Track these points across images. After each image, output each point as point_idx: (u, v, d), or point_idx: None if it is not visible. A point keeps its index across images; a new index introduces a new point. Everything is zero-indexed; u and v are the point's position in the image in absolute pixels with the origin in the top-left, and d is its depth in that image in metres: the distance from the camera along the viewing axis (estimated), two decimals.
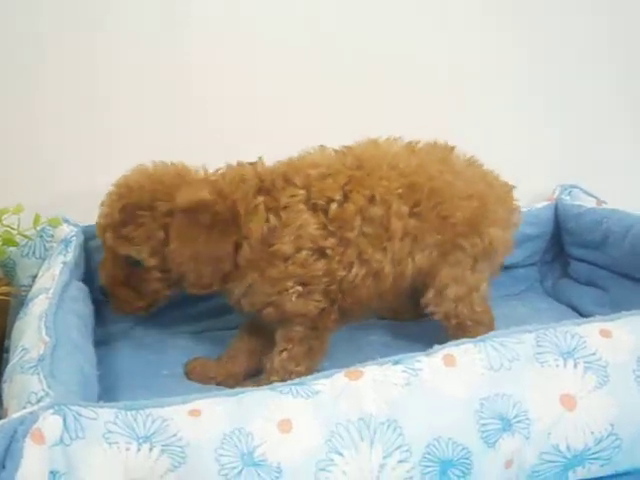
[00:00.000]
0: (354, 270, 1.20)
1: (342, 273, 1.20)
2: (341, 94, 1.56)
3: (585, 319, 1.01)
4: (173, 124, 1.50)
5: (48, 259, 1.31)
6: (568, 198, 1.65)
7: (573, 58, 1.71)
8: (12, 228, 1.30)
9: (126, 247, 1.18)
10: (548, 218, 1.65)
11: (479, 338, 0.95)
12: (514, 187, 1.36)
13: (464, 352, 0.93)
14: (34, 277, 1.31)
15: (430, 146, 1.30)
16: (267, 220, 1.17)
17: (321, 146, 1.27)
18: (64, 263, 1.27)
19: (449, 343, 0.95)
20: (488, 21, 1.63)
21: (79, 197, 1.44)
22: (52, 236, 1.36)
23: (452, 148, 1.31)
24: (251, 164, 1.23)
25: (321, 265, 1.18)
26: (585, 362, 0.94)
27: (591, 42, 1.71)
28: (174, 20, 1.46)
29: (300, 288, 1.19)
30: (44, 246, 1.35)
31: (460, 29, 1.62)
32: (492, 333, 0.97)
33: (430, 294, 1.28)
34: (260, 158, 1.24)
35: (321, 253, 1.18)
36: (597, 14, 1.69)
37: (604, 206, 1.60)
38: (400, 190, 1.21)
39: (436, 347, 0.94)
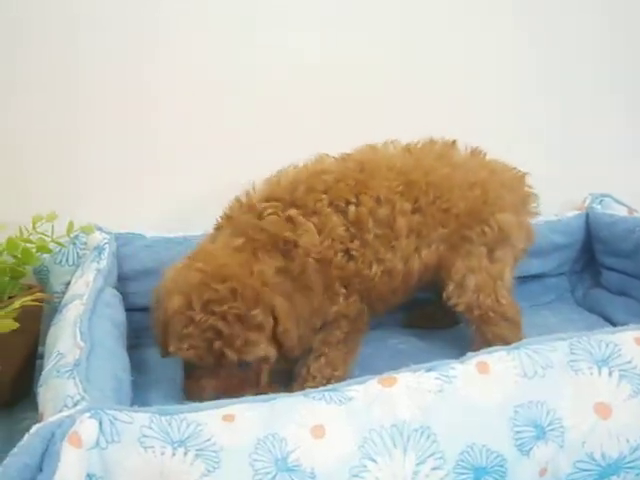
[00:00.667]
0: (374, 269, 1.22)
1: (367, 272, 1.21)
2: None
3: (619, 327, 1.00)
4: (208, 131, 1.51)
5: (81, 266, 1.33)
6: (599, 207, 1.65)
7: (610, 67, 1.71)
8: (46, 235, 1.32)
9: (252, 352, 1.10)
10: (579, 227, 1.65)
11: (513, 346, 0.95)
12: (526, 173, 1.36)
13: (498, 359, 0.92)
14: (67, 284, 1.33)
15: (428, 143, 1.32)
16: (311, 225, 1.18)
17: (320, 155, 1.28)
18: (97, 270, 1.28)
19: (482, 350, 0.95)
20: (522, 24, 1.64)
21: (112, 205, 1.46)
22: (85, 243, 1.37)
23: (453, 143, 1.32)
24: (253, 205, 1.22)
25: (352, 265, 1.20)
26: (620, 370, 0.93)
27: (621, 43, 1.71)
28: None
29: (344, 290, 1.20)
30: (77, 253, 1.36)
31: (492, 32, 1.63)
32: (525, 341, 0.96)
33: (450, 287, 1.29)
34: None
35: (349, 254, 1.20)
36: None
37: (636, 215, 1.59)
38: (400, 188, 1.22)
39: (469, 354, 0.94)
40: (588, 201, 1.68)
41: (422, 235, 1.24)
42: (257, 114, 1.52)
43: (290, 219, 1.18)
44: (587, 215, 1.65)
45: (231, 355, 1.08)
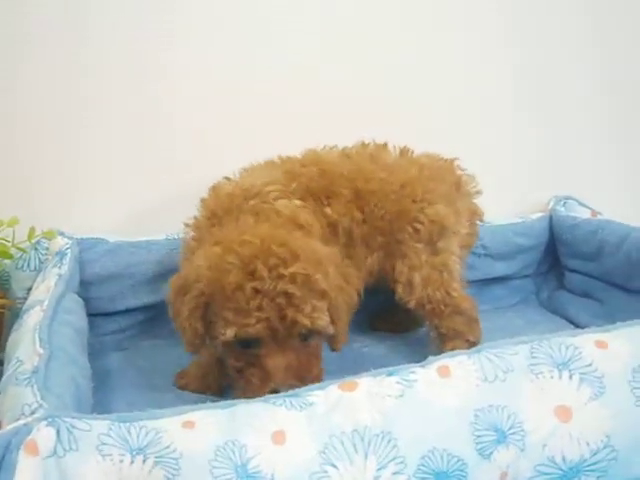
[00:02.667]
0: None
1: None
2: (341, 99, 1.58)
3: (580, 330, 1.01)
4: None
5: (43, 271, 1.32)
6: (563, 209, 1.66)
7: (568, 70, 1.73)
8: (7, 241, 1.31)
9: (321, 320, 1.06)
10: (543, 229, 1.66)
11: (474, 349, 0.95)
12: (455, 159, 1.37)
13: (458, 363, 0.92)
14: (29, 290, 1.32)
15: (361, 147, 1.33)
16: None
17: (268, 162, 1.29)
18: (59, 275, 1.27)
19: (443, 355, 0.95)
20: (487, 30, 1.65)
21: (74, 210, 1.45)
22: (47, 249, 1.36)
23: (384, 145, 1.33)
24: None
25: None
26: (580, 373, 0.93)
27: (588, 50, 1.73)
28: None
29: None
30: (39, 259, 1.35)
31: (460, 39, 1.64)
32: (486, 344, 0.97)
33: (399, 288, 1.30)
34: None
35: None
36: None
37: (599, 217, 1.60)
38: (352, 196, 1.23)
39: (430, 358, 0.94)
40: (552, 203, 1.69)
41: (369, 244, 1.25)
42: (239, 114, 1.54)
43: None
44: (550, 217, 1.67)
45: (304, 321, 1.04)
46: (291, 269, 1.03)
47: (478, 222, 1.43)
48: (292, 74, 1.54)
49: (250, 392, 1.02)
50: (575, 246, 1.59)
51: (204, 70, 1.50)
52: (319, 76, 1.55)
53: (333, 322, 1.09)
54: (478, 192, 1.41)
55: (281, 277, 1.03)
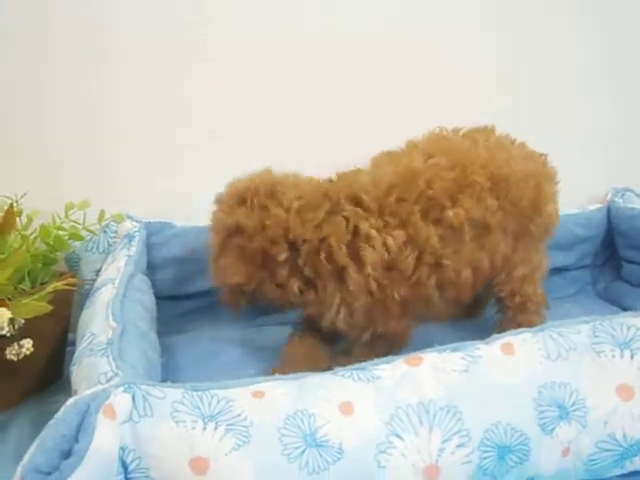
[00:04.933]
0: (464, 274, 1.21)
1: (453, 279, 1.21)
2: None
3: None
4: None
5: (112, 253, 1.35)
6: (621, 201, 1.65)
7: (630, 57, 1.72)
8: (78, 223, 1.34)
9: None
10: (600, 220, 1.65)
11: (537, 328, 0.96)
12: (546, 154, 1.34)
13: (522, 341, 0.94)
14: (97, 271, 1.35)
15: (479, 132, 1.29)
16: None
17: (384, 153, 1.27)
18: (128, 256, 1.30)
19: (507, 332, 0.96)
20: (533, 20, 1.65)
21: (143, 194, 1.48)
22: (116, 232, 1.39)
23: (493, 130, 1.30)
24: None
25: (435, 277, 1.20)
26: None
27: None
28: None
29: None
30: (108, 241, 1.38)
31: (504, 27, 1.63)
32: (550, 323, 0.98)
33: (502, 275, 1.29)
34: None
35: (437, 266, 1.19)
36: None
37: None
38: (488, 184, 1.20)
39: (494, 336, 0.96)
40: (610, 195, 1.68)
41: (505, 230, 1.23)
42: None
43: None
44: (609, 209, 1.66)
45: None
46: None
47: None
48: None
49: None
50: (633, 237, 1.59)
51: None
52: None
53: None
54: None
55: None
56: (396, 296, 1.16)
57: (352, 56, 1.53)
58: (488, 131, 1.30)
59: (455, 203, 1.17)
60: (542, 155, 1.33)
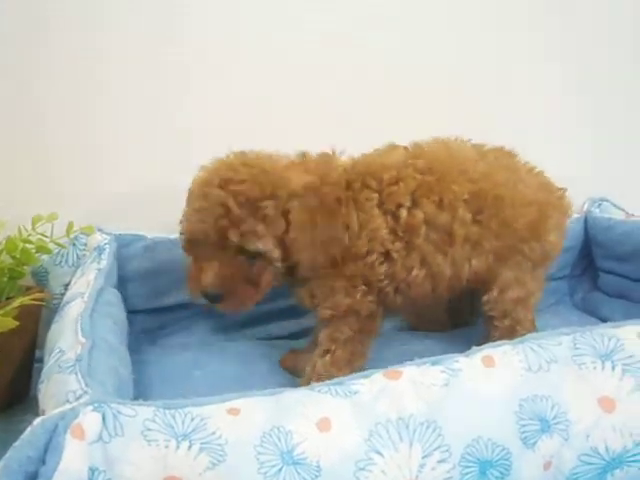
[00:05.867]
0: (414, 272, 1.22)
1: (403, 275, 1.22)
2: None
3: (621, 322, 1.00)
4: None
5: (81, 267, 1.32)
6: (598, 211, 1.66)
7: (607, 69, 1.73)
8: (45, 236, 1.31)
9: (253, 242, 1.11)
10: (578, 231, 1.66)
11: (517, 340, 0.95)
12: (566, 189, 1.36)
13: (503, 354, 0.92)
14: (66, 285, 1.32)
15: (497, 151, 1.31)
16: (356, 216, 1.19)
17: (391, 145, 1.27)
18: (98, 270, 1.27)
19: (487, 345, 0.95)
20: (519, 25, 1.65)
21: (112, 206, 1.46)
22: (85, 244, 1.37)
23: (515, 155, 1.32)
24: (330, 155, 1.24)
25: (385, 268, 1.20)
26: (623, 364, 0.93)
27: (624, 51, 1.73)
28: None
29: (365, 287, 1.21)
30: (77, 254, 1.36)
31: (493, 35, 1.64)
32: (530, 335, 0.97)
33: (494, 293, 1.29)
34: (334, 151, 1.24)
35: (387, 256, 1.20)
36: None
37: (633, 218, 1.59)
38: (466, 196, 1.21)
39: (474, 348, 0.94)
40: (587, 205, 1.69)
41: (477, 246, 1.24)
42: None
43: (347, 201, 1.19)
44: (585, 219, 1.67)
45: (233, 236, 1.10)
46: (239, 187, 1.10)
47: None
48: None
49: (188, 284, 1.16)
50: (610, 247, 1.59)
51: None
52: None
53: (290, 252, 1.14)
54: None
55: (227, 191, 1.10)
56: (347, 272, 1.19)
57: (348, 56, 1.56)
58: (506, 152, 1.32)
59: (415, 204, 1.20)
60: (560, 189, 1.35)
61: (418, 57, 1.60)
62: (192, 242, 1.15)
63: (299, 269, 1.17)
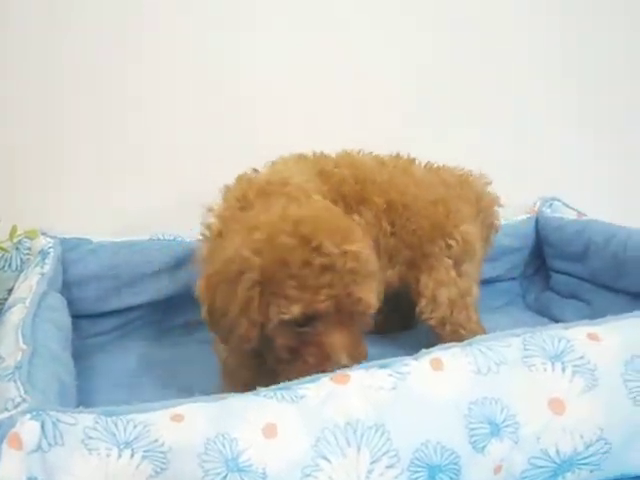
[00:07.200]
0: None
1: None
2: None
3: (572, 323, 1.00)
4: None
5: (25, 271, 1.30)
6: (549, 210, 1.66)
7: (558, 70, 1.74)
8: None
9: (374, 299, 1.05)
10: (529, 231, 1.66)
11: (466, 342, 0.94)
12: (470, 171, 1.37)
13: (451, 356, 0.91)
14: (10, 290, 1.29)
15: (395, 159, 1.30)
16: None
17: (300, 156, 1.26)
18: (41, 274, 1.25)
19: (436, 347, 0.94)
20: (469, 30, 1.66)
21: (56, 209, 1.43)
22: (29, 248, 1.35)
23: (413, 160, 1.31)
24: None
25: None
26: (573, 366, 0.92)
27: (579, 53, 1.75)
28: None
29: None
30: (21, 259, 1.34)
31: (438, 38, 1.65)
32: (479, 337, 0.96)
33: (423, 302, 1.28)
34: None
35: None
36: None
37: (584, 218, 1.60)
38: (385, 206, 1.21)
39: (423, 351, 0.93)
40: (538, 205, 1.69)
41: (392, 257, 1.23)
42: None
43: None
44: (537, 219, 1.67)
45: (369, 299, 1.03)
46: (353, 247, 1.01)
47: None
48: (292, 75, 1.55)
49: (306, 371, 0.96)
50: (561, 247, 1.60)
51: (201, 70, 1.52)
52: (323, 77, 1.57)
53: None
54: (497, 225, 1.44)
55: (346, 254, 1.00)
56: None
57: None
58: (404, 159, 1.31)
59: (359, 211, 1.19)
60: (463, 174, 1.35)
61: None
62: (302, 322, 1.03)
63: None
